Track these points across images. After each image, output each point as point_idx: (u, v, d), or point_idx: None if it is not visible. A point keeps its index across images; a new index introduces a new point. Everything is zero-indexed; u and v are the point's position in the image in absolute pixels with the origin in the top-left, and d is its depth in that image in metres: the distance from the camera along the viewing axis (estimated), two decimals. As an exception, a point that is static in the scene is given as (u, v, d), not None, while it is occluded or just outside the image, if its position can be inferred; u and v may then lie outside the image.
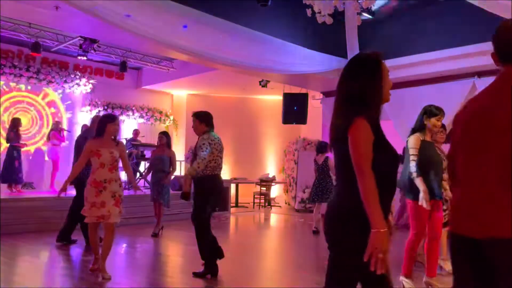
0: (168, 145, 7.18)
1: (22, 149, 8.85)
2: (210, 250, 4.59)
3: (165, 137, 7.14)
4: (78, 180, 5.16)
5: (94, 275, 4.47)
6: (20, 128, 8.82)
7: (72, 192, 6.15)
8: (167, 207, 7.08)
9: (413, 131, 4.00)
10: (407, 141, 4.01)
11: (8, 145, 8.54)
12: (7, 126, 9.35)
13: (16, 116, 9.49)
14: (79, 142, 6.01)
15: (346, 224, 1.88)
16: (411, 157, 3.88)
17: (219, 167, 4.64)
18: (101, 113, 11.25)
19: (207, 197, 4.57)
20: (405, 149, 4.06)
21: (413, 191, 3.85)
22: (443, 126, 4.82)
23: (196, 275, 4.58)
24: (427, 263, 4.07)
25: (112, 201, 4.30)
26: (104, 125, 4.40)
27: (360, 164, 1.84)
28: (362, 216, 1.80)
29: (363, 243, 1.78)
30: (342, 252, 1.90)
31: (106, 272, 4.36)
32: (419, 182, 3.79)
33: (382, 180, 1.84)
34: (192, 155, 4.67)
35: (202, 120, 4.70)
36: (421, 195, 3.76)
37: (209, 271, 4.57)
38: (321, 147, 7.83)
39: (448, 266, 4.81)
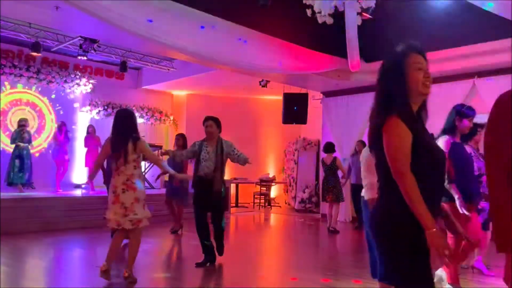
0: (185, 146, 7.25)
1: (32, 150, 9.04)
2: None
3: (181, 139, 7.30)
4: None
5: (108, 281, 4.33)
6: (27, 129, 8.98)
7: (71, 192, 6.16)
8: (185, 206, 7.27)
9: (444, 132, 3.84)
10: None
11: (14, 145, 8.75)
12: (7, 126, 9.42)
13: (16, 116, 9.58)
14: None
15: (386, 228, 1.83)
16: None
17: None
18: (101, 113, 11.27)
19: (224, 199, 5.12)
20: None
21: (447, 193, 3.66)
22: (481, 126, 4.61)
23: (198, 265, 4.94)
24: (449, 269, 3.86)
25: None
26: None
27: (396, 166, 1.78)
28: (399, 218, 1.78)
29: (411, 245, 1.76)
30: (397, 258, 1.83)
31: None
32: (452, 189, 3.64)
33: (425, 180, 1.77)
34: (215, 156, 4.89)
35: (218, 126, 5.05)
36: (457, 202, 3.59)
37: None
38: (328, 148, 7.92)
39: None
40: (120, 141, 4.20)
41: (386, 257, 1.87)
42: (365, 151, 3.24)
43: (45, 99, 10.63)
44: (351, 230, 8.64)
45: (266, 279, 4.88)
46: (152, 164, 10.29)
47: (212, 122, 5.00)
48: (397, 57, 1.91)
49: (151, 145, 9.68)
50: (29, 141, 9.00)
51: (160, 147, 11.53)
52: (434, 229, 1.70)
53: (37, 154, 10.04)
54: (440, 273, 4.02)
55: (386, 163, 1.83)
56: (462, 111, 3.83)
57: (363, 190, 3.45)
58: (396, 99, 1.85)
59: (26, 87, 10.23)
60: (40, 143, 10.42)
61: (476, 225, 3.80)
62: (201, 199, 4.96)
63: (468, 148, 4.38)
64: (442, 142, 3.75)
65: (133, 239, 4.30)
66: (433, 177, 1.82)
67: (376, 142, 1.90)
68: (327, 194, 7.82)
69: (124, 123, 4.30)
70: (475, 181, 3.82)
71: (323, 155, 10.29)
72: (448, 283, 3.89)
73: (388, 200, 1.87)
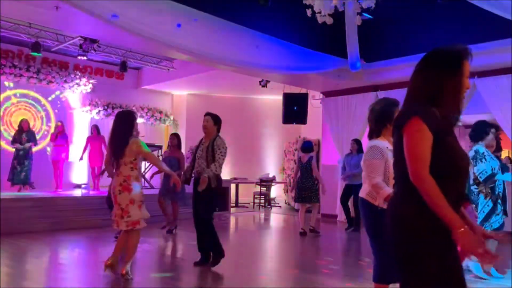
0: (179, 146, 7.26)
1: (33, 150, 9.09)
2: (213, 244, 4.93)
3: (176, 138, 7.27)
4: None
5: (114, 275, 4.37)
6: (31, 129, 9.09)
7: (71, 192, 6.17)
8: (180, 204, 7.34)
9: None
10: None
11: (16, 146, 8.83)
12: (7, 126, 9.44)
13: (14, 116, 9.62)
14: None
15: (403, 230, 1.79)
16: None
17: (221, 168, 4.92)
18: (101, 113, 11.27)
19: (215, 195, 4.93)
20: None
21: None
22: (492, 127, 4.59)
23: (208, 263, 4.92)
24: None
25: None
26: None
27: (415, 170, 1.72)
28: (413, 221, 1.74)
29: (426, 249, 1.72)
30: (409, 264, 1.78)
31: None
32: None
33: (444, 183, 1.71)
34: (206, 153, 4.81)
35: (216, 123, 4.95)
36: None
37: (222, 256, 4.91)
38: (306, 147, 7.74)
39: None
40: (116, 143, 4.23)
41: (399, 261, 1.83)
42: (367, 152, 3.21)
43: (43, 100, 10.63)
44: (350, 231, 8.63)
45: (266, 279, 4.88)
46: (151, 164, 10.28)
47: (209, 118, 4.93)
48: (458, 56, 1.86)
49: (151, 145, 9.71)
50: (34, 141, 9.03)
51: (160, 147, 11.54)
52: (463, 229, 1.64)
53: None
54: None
55: (403, 164, 1.78)
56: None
57: (361, 189, 3.41)
58: (447, 99, 1.80)
59: (27, 89, 10.23)
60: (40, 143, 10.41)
61: None
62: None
63: (481, 148, 4.40)
64: None
65: (130, 241, 4.30)
66: (452, 180, 1.77)
67: (395, 141, 1.87)
68: (300, 195, 7.56)
69: (120, 125, 4.31)
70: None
71: (323, 155, 10.29)
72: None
73: (404, 204, 1.82)
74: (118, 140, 4.23)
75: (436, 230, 1.71)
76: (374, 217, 3.04)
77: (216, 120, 4.97)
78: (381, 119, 3.13)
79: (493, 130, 4.54)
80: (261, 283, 4.63)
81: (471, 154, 4.36)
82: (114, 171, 4.30)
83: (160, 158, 7.13)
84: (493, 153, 4.56)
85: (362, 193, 3.17)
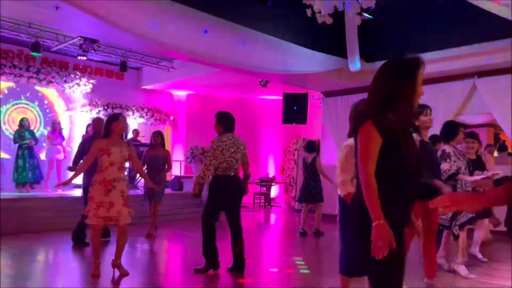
0: (163, 144, 7.16)
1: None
2: (211, 249, 4.69)
3: (160, 136, 7.11)
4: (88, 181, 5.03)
5: (94, 280, 4.41)
6: (30, 128, 9.13)
7: (70, 192, 6.17)
8: (159, 203, 7.07)
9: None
10: None
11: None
12: (6, 126, 9.44)
13: (13, 114, 9.66)
14: (86, 141, 5.92)
15: (355, 217, 2.03)
16: None
17: (232, 168, 4.71)
18: (101, 113, 11.26)
19: (217, 198, 4.72)
20: None
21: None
22: (463, 126, 4.70)
23: (197, 271, 4.68)
24: (425, 264, 4.03)
25: (121, 201, 4.28)
26: (109, 125, 4.39)
27: (360, 164, 1.96)
28: (362, 209, 1.93)
29: (364, 232, 1.91)
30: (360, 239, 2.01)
31: (123, 267, 4.48)
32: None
33: (394, 181, 1.94)
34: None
35: (218, 122, 4.81)
36: None
37: (212, 266, 4.67)
38: (310, 146, 7.72)
39: (463, 271, 4.76)
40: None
41: (362, 249, 1.98)
42: (341, 151, 3.37)
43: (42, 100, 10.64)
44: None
45: (266, 279, 4.88)
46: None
47: (215, 118, 4.89)
48: (412, 66, 2.01)
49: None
50: (35, 140, 9.04)
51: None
52: (382, 221, 1.84)
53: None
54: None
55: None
56: None
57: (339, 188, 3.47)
58: (402, 105, 1.98)
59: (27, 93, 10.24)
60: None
61: (432, 223, 3.95)
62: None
63: (448, 148, 4.44)
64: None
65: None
66: (402, 178, 1.95)
67: (355, 140, 2.08)
68: (303, 195, 7.52)
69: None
70: (437, 179, 3.90)
71: (323, 155, 10.30)
72: (426, 278, 4.00)
73: (362, 199, 1.98)
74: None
75: (390, 222, 1.88)
76: (346, 211, 3.18)
77: (217, 118, 4.86)
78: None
79: (462, 129, 4.65)
80: (262, 283, 4.63)
81: (439, 153, 4.45)
82: None
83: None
84: (499, 153, 4.63)
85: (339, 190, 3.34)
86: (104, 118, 5.24)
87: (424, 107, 3.91)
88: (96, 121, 6.07)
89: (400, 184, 1.95)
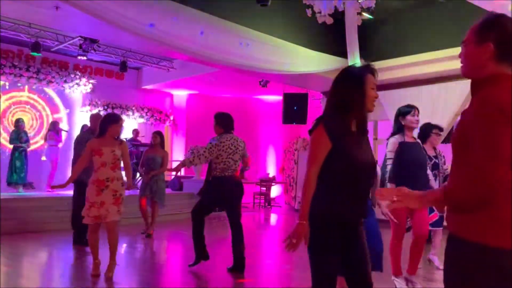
0: (162, 145, 7.11)
1: (28, 149, 9.07)
2: (200, 243, 4.84)
3: (159, 137, 7.08)
4: (79, 180, 5.02)
5: (93, 280, 4.41)
6: (24, 129, 9.06)
7: (70, 192, 6.16)
8: (162, 206, 7.03)
9: (393, 135, 3.98)
10: (386, 144, 4.01)
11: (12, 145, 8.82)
12: (7, 126, 9.42)
13: (16, 116, 9.60)
14: (80, 141, 5.89)
15: (311, 216, 2.13)
16: (388, 161, 3.89)
17: (229, 169, 4.72)
18: (101, 113, 11.26)
19: (211, 197, 4.78)
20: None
21: None
22: (439, 128, 4.84)
23: (191, 265, 4.78)
24: (410, 260, 4.00)
25: (112, 199, 4.27)
26: (107, 126, 4.35)
27: (307, 166, 2.13)
28: (318, 208, 2.10)
29: (318, 237, 2.10)
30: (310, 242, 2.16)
31: (111, 271, 4.39)
32: (390, 187, 3.75)
33: (339, 184, 2.08)
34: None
35: (217, 122, 4.82)
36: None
37: (201, 257, 4.80)
38: None
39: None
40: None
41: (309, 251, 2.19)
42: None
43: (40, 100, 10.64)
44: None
45: (266, 279, 4.88)
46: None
47: (214, 119, 4.89)
48: (359, 73, 2.17)
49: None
50: (27, 141, 8.99)
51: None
52: (302, 222, 2.06)
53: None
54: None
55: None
56: (401, 111, 3.98)
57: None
58: (354, 108, 2.13)
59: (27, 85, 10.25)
60: (36, 141, 10.40)
61: (421, 220, 3.93)
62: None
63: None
64: (390, 143, 3.94)
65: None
66: (348, 181, 2.09)
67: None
68: None
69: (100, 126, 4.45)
70: (420, 179, 3.86)
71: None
72: (392, 275, 4.00)
73: (314, 199, 2.12)
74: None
75: (333, 222, 2.09)
76: None
77: (216, 119, 4.85)
78: None
79: (435, 130, 4.77)
80: (262, 283, 4.63)
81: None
82: None
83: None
84: None
85: None
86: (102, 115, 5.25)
87: (412, 107, 3.94)
88: (95, 118, 5.98)
89: (347, 183, 2.08)
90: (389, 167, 3.85)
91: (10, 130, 9.22)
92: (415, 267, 4.02)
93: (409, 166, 3.81)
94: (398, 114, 3.97)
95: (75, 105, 11.14)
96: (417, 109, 3.98)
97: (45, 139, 9.64)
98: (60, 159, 9.62)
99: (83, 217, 4.34)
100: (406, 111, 3.93)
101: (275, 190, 13.09)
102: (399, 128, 3.94)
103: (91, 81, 11.05)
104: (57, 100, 10.85)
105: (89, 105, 11.13)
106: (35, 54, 8.98)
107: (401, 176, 3.75)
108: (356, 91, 2.13)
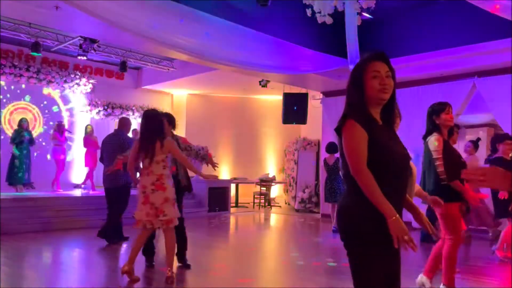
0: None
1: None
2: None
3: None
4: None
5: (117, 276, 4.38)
6: (28, 129, 9.12)
7: (71, 192, 6.19)
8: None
9: (427, 134, 3.77)
10: (425, 143, 3.80)
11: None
12: (6, 125, 9.42)
13: (15, 114, 9.65)
14: (127, 140, 6.31)
15: (348, 224, 1.94)
16: (436, 161, 3.65)
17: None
18: (101, 113, 11.27)
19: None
20: (425, 152, 3.81)
21: (445, 194, 3.58)
22: (457, 126, 4.67)
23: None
24: (446, 269, 3.75)
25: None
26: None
27: (353, 164, 1.90)
28: (358, 215, 1.89)
29: (365, 243, 1.87)
30: (352, 252, 1.95)
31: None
32: (457, 186, 3.59)
33: (381, 178, 1.87)
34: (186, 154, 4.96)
35: (170, 123, 4.90)
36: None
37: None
38: (331, 148, 7.92)
39: None
40: (148, 141, 4.20)
41: (347, 250, 1.98)
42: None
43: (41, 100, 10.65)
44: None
45: (266, 279, 4.88)
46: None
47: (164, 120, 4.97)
48: (357, 67, 2.03)
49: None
50: (31, 141, 9.04)
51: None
52: (394, 217, 1.81)
53: (35, 154, 10.01)
54: (421, 279, 3.98)
55: (345, 162, 1.97)
56: (434, 109, 3.77)
57: None
58: (354, 105, 2.00)
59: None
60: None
61: (462, 225, 3.82)
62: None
63: None
64: (433, 142, 3.70)
65: (169, 239, 4.29)
66: (388, 175, 1.90)
67: (339, 143, 2.02)
68: (329, 194, 7.81)
69: (151, 123, 4.28)
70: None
71: (323, 155, 10.29)
72: (443, 284, 3.78)
73: (349, 200, 1.97)
74: (150, 139, 4.21)
75: (373, 222, 1.86)
76: None
77: (170, 120, 4.91)
78: None
79: (455, 129, 4.59)
80: (262, 283, 4.63)
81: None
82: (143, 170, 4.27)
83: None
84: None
85: None
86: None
87: (445, 104, 3.73)
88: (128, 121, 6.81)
89: (384, 179, 1.88)
90: (440, 168, 3.61)
91: (9, 128, 9.25)
92: (453, 277, 3.77)
93: (459, 164, 3.66)
94: (431, 113, 3.75)
95: (75, 105, 11.14)
96: (451, 106, 3.75)
97: (51, 139, 9.71)
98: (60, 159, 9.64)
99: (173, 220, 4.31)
100: (439, 109, 3.71)
101: (275, 190, 13.08)
102: (434, 127, 3.73)
103: (91, 81, 11.05)
104: (58, 100, 10.87)
105: (89, 105, 11.13)
106: (35, 54, 8.98)
107: (456, 175, 3.51)
108: (353, 83, 2.02)
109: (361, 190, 1.87)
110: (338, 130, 1.98)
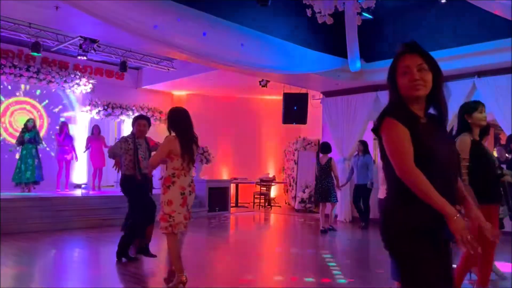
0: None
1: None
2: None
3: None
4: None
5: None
6: (35, 129, 9.17)
7: (71, 192, 6.17)
8: None
9: (458, 133, 3.58)
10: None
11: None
12: (7, 126, 9.42)
13: (15, 115, 9.66)
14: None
15: (392, 226, 1.82)
16: (463, 161, 3.43)
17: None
18: (101, 113, 11.26)
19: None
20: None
21: (486, 194, 3.42)
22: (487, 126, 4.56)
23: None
24: (481, 272, 3.63)
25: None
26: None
27: (399, 164, 1.76)
28: (406, 215, 1.77)
29: (413, 244, 1.75)
30: (401, 255, 1.82)
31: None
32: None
33: (426, 175, 1.73)
34: (149, 154, 5.21)
35: (149, 125, 5.41)
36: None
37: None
38: (325, 148, 7.92)
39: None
40: (189, 141, 3.99)
41: (394, 259, 1.87)
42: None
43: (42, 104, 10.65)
44: (350, 229, 8.65)
45: (266, 279, 4.88)
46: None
47: (146, 122, 5.31)
48: (392, 63, 1.92)
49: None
50: (31, 141, 9.04)
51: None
52: (455, 217, 1.67)
53: (40, 155, 10.01)
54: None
55: (387, 162, 1.83)
56: (466, 107, 3.60)
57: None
58: (393, 103, 1.89)
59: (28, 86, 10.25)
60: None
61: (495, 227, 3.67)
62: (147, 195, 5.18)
63: None
64: (462, 142, 3.50)
65: (172, 244, 4.02)
66: (432, 174, 1.75)
67: (379, 142, 1.89)
68: (322, 195, 7.79)
69: (188, 122, 4.05)
70: (496, 181, 3.60)
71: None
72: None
73: (395, 202, 1.85)
74: (193, 138, 4.03)
75: (423, 222, 1.74)
76: None
77: (150, 123, 5.41)
78: None
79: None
80: (262, 283, 4.63)
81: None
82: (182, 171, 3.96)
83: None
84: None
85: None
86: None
87: (478, 103, 3.58)
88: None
89: (429, 177, 1.72)
90: (463, 169, 3.43)
91: (8, 129, 9.27)
92: (488, 280, 3.66)
93: (490, 167, 3.52)
94: (463, 112, 3.57)
95: (75, 105, 11.14)
96: (484, 105, 3.58)
97: (55, 140, 9.79)
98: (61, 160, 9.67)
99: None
100: (472, 107, 3.55)
101: (275, 190, 13.09)
102: (465, 126, 3.56)
103: (91, 81, 11.05)
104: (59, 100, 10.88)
105: (89, 105, 11.13)
106: (35, 54, 8.97)
107: (485, 179, 3.44)
108: (388, 81, 1.90)
109: (407, 191, 1.73)
110: (376, 131, 1.85)
